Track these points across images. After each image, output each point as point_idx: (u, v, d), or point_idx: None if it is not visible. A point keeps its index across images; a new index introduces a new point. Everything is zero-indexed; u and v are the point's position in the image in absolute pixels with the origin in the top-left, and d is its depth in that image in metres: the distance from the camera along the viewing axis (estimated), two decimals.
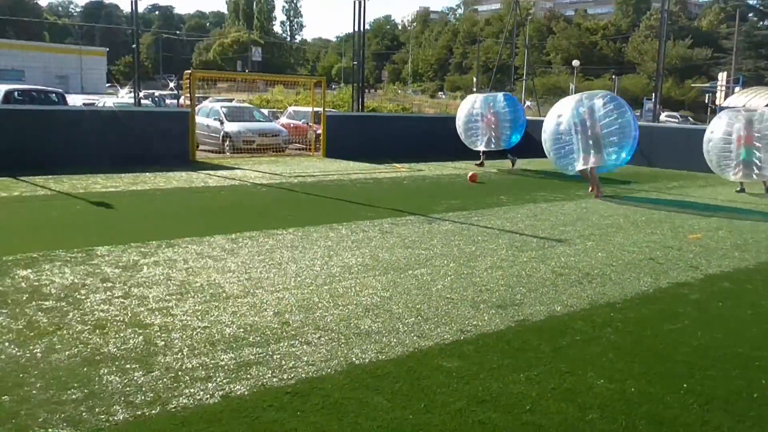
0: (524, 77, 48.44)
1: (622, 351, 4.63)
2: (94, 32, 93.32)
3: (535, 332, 4.93)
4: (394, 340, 4.66)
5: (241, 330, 4.74)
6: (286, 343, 4.51)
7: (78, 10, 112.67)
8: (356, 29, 18.50)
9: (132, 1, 15.00)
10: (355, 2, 17.70)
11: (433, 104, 59.71)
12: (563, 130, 12.29)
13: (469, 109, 16.92)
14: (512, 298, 5.75)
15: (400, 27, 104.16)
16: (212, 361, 4.17)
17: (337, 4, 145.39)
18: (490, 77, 47.33)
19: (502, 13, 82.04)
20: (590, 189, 12.42)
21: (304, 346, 4.48)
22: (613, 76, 59.01)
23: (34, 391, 3.67)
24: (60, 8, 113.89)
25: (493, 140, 16.52)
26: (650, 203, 11.75)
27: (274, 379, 3.95)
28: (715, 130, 13.50)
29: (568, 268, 6.86)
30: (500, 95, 17.13)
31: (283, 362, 4.20)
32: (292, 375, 4.02)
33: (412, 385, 3.95)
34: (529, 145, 17.24)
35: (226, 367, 4.09)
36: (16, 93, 18.14)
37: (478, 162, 16.85)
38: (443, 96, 69.60)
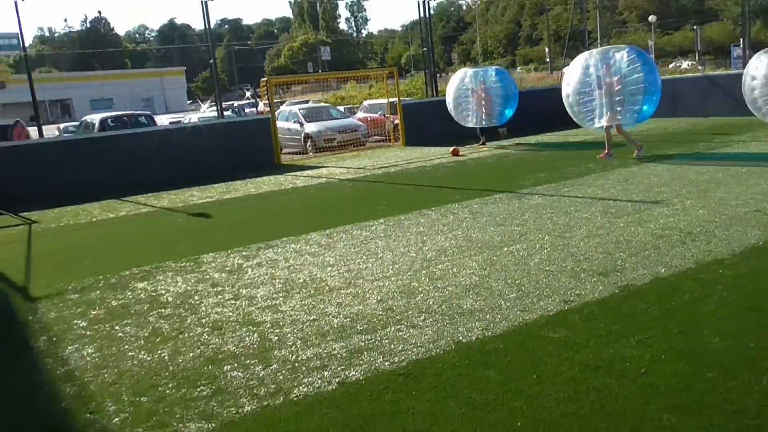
0: (598, 41, 46.89)
1: (735, 307, 4.49)
2: (170, 53, 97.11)
3: (641, 296, 4.85)
4: (498, 316, 4.70)
5: (348, 319, 4.90)
6: (392, 328, 4.64)
7: (153, 34, 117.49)
8: (421, 15, 18.47)
9: (204, 19, 15.56)
10: None
11: None
12: (578, 89, 12.12)
13: (458, 84, 16.21)
14: (613, 264, 5.67)
15: (464, 7, 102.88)
16: (325, 351, 4.35)
17: None
18: (563, 45, 46.10)
19: None
20: (605, 152, 12.10)
21: (411, 330, 4.59)
22: (695, 27, 56.18)
23: (167, 391, 3.95)
24: (137, 35, 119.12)
25: (484, 117, 16.01)
26: (749, 158, 11.20)
27: (386, 363, 4.08)
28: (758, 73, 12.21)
29: (668, 228, 6.67)
30: (491, 69, 16.53)
31: (393, 346, 4.33)
32: (403, 358, 4.14)
33: (522, 357, 3.99)
34: None
35: (338, 356, 4.26)
36: (109, 120, 19.21)
37: (480, 142, 16.24)
38: (518, 70, 68.31)
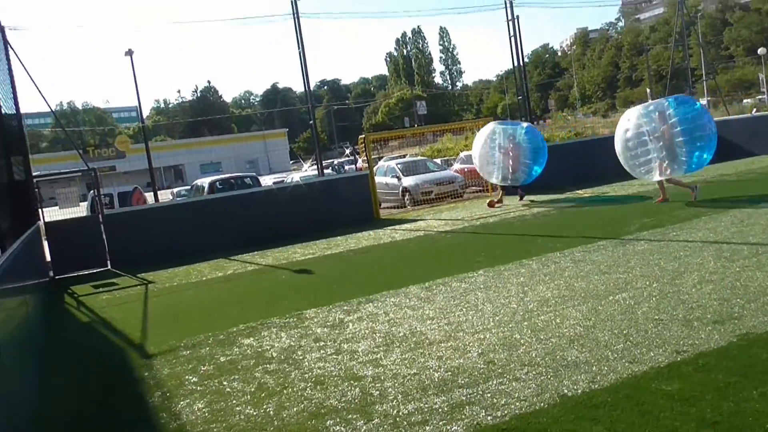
0: (704, 78, 45.14)
1: None
2: (273, 116, 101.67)
3: (763, 345, 4.53)
4: (605, 368, 4.51)
5: (449, 373, 4.85)
6: (494, 382, 4.55)
7: (257, 99, 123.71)
8: (515, 64, 18.54)
9: (304, 82, 16.28)
10: (510, 39, 17.81)
11: (606, 124, 57.42)
12: (631, 138, 12.12)
13: (486, 139, 15.71)
14: (729, 311, 5.34)
15: (559, 53, 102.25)
16: (426, 405, 4.31)
17: (492, 44, 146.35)
18: (664, 85, 44.67)
19: (667, 15, 77.68)
20: (660, 198, 12.21)
21: (513, 383, 4.48)
22: None
23: None
24: (243, 101, 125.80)
25: (510, 174, 15.48)
26: None
27: (488, 417, 3.99)
28: None
29: None
30: (521, 126, 15.83)
31: (495, 400, 4.24)
32: (506, 412, 4.04)
33: (632, 411, 3.80)
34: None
35: (440, 410, 4.21)
36: (217, 183, 20.22)
37: (497, 200, 15.69)
38: (617, 114, 66.70)
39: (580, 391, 4.20)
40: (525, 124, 16.11)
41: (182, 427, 4.51)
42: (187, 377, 5.60)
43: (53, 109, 16.26)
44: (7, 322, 5.08)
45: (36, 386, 5.86)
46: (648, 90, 66.35)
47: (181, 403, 4.99)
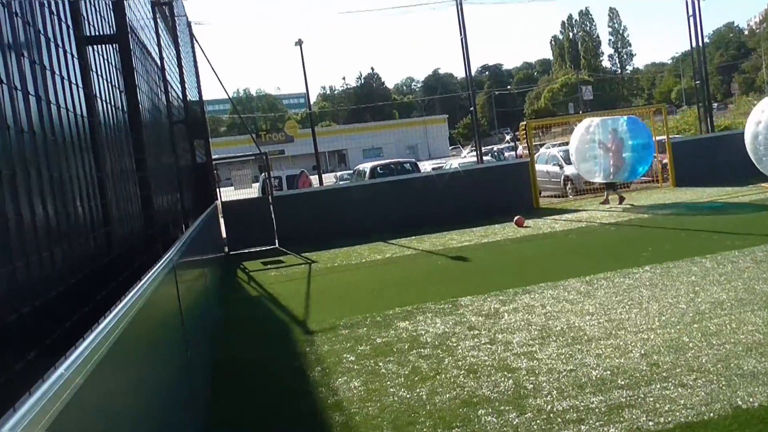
0: None
1: None
2: (433, 102, 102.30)
3: None
4: None
5: (608, 372, 4.65)
6: (658, 386, 4.30)
7: (419, 85, 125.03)
8: (693, 45, 17.20)
9: (466, 68, 16.19)
10: (688, 18, 16.54)
11: None
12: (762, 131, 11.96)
13: (583, 134, 14.68)
14: None
15: (746, 32, 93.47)
16: (582, 404, 4.17)
17: (669, 23, 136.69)
18: None
19: None
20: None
21: (679, 389, 4.20)
22: None
23: (424, 429, 4.09)
24: (404, 87, 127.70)
25: (612, 171, 14.27)
26: None
27: (650, 423, 3.79)
28: None
29: None
30: (622, 118, 14.63)
31: (657, 405, 4.00)
32: (669, 419, 3.81)
33: None
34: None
35: (596, 410, 4.05)
36: (378, 168, 20.75)
37: (602, 200, 15.06)
38: None
39: (757, 404, 3.85)
40: (625, 117, 14.95)
41: (339, 403, 4.71)
42: (345, 355, 5.83)
43: (231, 97, 17.46)
44: (189, 293, 5.56)
45: (211, 354, 6.37)
46: None
47: (339, 379, 5.21)
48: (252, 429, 4.48)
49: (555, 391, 4.43)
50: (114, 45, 4.44)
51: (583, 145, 14.67)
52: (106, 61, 4.09)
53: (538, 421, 3.99)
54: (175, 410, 3.69)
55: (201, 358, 5.42)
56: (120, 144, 4.19)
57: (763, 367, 4.38)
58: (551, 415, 4.07)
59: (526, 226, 12.59)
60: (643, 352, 4.97)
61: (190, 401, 4.24)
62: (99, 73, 3.77)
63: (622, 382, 4.43)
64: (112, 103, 4.09)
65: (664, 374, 4.48)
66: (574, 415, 4.02)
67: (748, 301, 5.91)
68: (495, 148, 40.85)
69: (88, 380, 1.96)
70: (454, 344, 5.78)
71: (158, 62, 7.64)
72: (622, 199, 14.63)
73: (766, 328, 5.12)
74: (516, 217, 13.06)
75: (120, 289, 3.18)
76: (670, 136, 17.85)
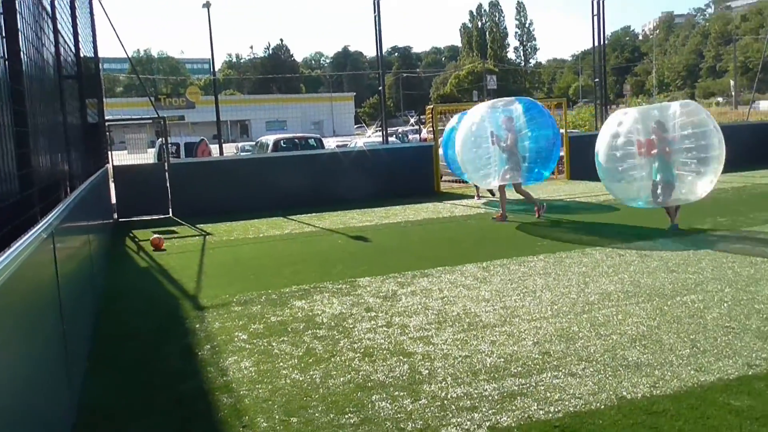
0: None
1: None
2: (341, 79, 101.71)
3: None
4: (669, 373, 4.27)
5: (502, 360, 4.69)
6: (549, 374, 4.37)
7: (328, 60, 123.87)
8: (595, 44, 17.84)
9: (377, 47, 16.04)
10: (593, 17, 17.11)
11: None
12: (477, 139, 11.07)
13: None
14: None
15: (640, 37, 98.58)
16: (476, 391, 4.17)
17: (571, 22, 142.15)
18: (751, 78, 42.58)
19: (761, 5, 73.78)
20: (499, 214, 11.18)
21: (569, 378, 4.29)
22: None
23: (316, 414, 3.97)
24: (313, 61, 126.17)
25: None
26: None
27: (540, 412, 3.83)
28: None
29: None
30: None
31: (548, 394, 4.06)
32: (559, 408, 3.87)
33: (695, 424, 3.57)
34: None
35: (490, 398, 4.07)
36: (282, 142, 20.35)
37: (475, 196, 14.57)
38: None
39: (640, 395, 3.98)
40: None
41: (228, 384, 4.50)
42: (237, 334, 5.61)
43: (129, 56, 16.52)
44: (69, 261, 5.16)
45: (91, 326, 5.97)
46: (732, 82, 63.46)
47: (230, 359, 4.99)
48: (128, 412, 4.19)
49: (449, 378, 4.42)
50: None
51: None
52: None
53: (432, 408, 3.96)
54: (44, 389, 3.38)
55: (79, 332, 5.04)
56: None
57: (646, 358, 4.55)
58: (445, 402, 4.05)
59: (162, 249, 10.13)
60: (535, 340, 5.06)
61: (63, 380, 3.91)
62: None
63: (515, 370, 4.48)
64: None
65: (555, 363, 4.57)
66: (468, 402, 4.02)
67: (634, 294, 6.16)
68: (400, 130, 41.06)
69: None
70: (351, 326, 5.69)
71: (48, 10, 7.03)
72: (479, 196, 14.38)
73: (650, 321, 5.34)
74: (153, 236, 10.65)
75: None
76: (568, 131, 18.48)
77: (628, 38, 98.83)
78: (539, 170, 11.53)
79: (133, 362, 5.12)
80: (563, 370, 4.43)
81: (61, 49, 7.94)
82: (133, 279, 8.31)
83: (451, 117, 15.51)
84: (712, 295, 5.96)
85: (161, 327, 6.02)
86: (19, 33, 4.25)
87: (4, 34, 4.01)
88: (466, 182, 14.30)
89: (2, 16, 4.00)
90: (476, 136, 11.01)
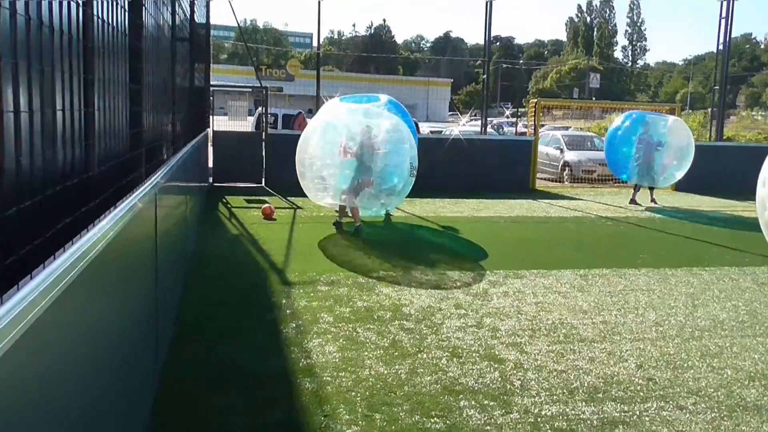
0: None
1: None
2: (439, 64, 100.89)
3: None
4: None
5: (601, 380, 4.35)
6: (654, 404, 4.01)
7: (428, 45, 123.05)
8: (720, 47, 16.74)
9: (485, 35, 15.61)
10: (720, 20, 16.04)
11: None
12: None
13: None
14: None
15: (762, 45, 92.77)
16: (572, 412, 3.87)
17: (688, 24, 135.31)
18: None
19: None
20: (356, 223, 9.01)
21: (678, 411, 3.92)
22: None
23: (401, 413, 3.77)
24: (413, 44, 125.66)
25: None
26: None
27: None
28: None
29: None
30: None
31: (654, 427, 3.72)
32: None
33: None
34: None
35: (588, 422, 3.75)
36: None
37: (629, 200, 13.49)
38: None
39: None
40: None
41: (311, 368, 4.37)
42: (322, 315, 5.48)
43: (239, 24, 16.73)
44: (167, 221, 5.15)
45: (180, 290, 5.99)
46: None
47: (314, 341, 4.86)
48: (208, 387, 4.11)
49: (543, 393, 4.13)
50: None
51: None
52: None
53: (524, 425, 3.69)
54: (135, 352, 3.32)
55: (169, 296, 5.04)
56: (116, 47, 3.70)
57: (767, 401, 4.10)
58: (539, 419, 3.76)
59: (273, 218, 10.05)
60: (639, 363, 4.68)
61: (151, 345, 3.87)
62: None
63: (617, 394, 4.14)
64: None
65: (661, 392, 4.19)
66: (564, 423, 3.72)
67: (750, 325, 5.64)
68: (495, 122, 40.30)
69: (52, 307, 1.71)
70: (439, 321, 5.46)
71: None
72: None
73: None
74: (264, 206, 10.52)
75: (95, 210, 2.78)
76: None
77: (748, 46, 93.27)
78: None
79: (217, 333, 5.07)
80: (671, 402, 4.05)
81: (177, 10, 8.00)
82: (223, 246, 8.35)
83: (548, 113, 15.00)
84: None
85: (247, 299, 5.97)
86: None
87: None
88: (626, 182, 14.21)
89: None
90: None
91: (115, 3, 3.54)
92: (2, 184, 1.97)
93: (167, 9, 6.73)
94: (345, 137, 8.78)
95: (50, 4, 2.41)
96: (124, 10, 3.83)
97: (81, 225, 2.46)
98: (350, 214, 9.20)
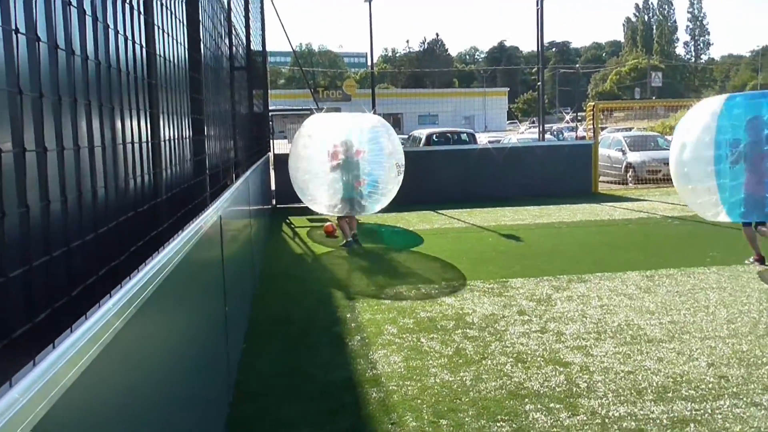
0: None
1: None
2: (495, 74, 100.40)
3: None
4: None
5: (670, 380, 4.29)
6: (727, 402, 3.93)
7: (482, 55, 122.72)
8: None
9: (538, 41, 15.55)
10: None
11: None
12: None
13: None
14: None
15: None
16: (641, 412, 3.84)
17: (752, 14, 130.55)
18: None
19: None
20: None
21: (752, 408, 3.83)
22: None
23: (467, 419, 3.82)
24: (467, 56, 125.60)
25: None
26: None
27: None
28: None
29: None
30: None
31: (727, 424, 3.65)
32: None
33: None
34: None
35: (658, 421, 3.72)
36: (434, 136, 20.31)
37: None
38: None
39: None
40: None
41: (377, 378, 4.47)
42: (386, 327, 5.58)
43: (294, 49, 17.19)
44: (233, 244, 5.37)
45: (248, 308, 6.21)
46: None
47: (379, 352, 4.97)
48: (278, 398, 4.26)
49: (611, 394, 4.10)
50: None
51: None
52: None
53: (592, 426, 3.69)
54: (208, 368, 3.50)
55: (238, 313, 5.24)
56: (177, 81, 3.94)
57: None
58: (606, 420, 3.75)
59: (335, 236, 10.11)
60: (709, 361, 4.59)
61: (223, 360, 4.05)
62: (161, 1, 3.50)
63: (686, 393, 4.08)
64: (173, 37, 3.84)
65: (734, 390, 4.10)
66: (632, 423, 3.70)
67: None
68: (554, 127, 39.79)
69: (128, 324, 1.86)
70: (503, 328, 5.48)
71: (224, 3, 7.38)
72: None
73: None
74: (327, 224, 10.69)
75: (164, 234, 2.97)
76: None
77: None
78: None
79: (285, 347, 5.24)
80: (744, 399, 3.96)
81: (234, 41, 8.34)
82: (288, 264, 8.58)
83: (610, 115, 14.72)
84: None
85: (312, 314, 6.14)
86: (200, 24, 4.45)
87: (186, 23, 4.21)
88: None
89: (185, 6, 4.20)
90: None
91: (174, 40, 3.77)
92: (81, 212, 2.16)
93: (224, 41, 7.04)
94: (331, 144, 9.06)
95: (117, 47, 2.62)
96: (184, 47, 4.07)
97: (152, 248, 2.64)
98: (347, 227, 9.40)
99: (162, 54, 3.37)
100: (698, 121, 7.42)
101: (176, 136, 3.86)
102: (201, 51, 4.48)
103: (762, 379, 4.24)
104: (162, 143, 3.38)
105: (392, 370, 4.60)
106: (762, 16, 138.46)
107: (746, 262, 7.52)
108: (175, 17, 3.91)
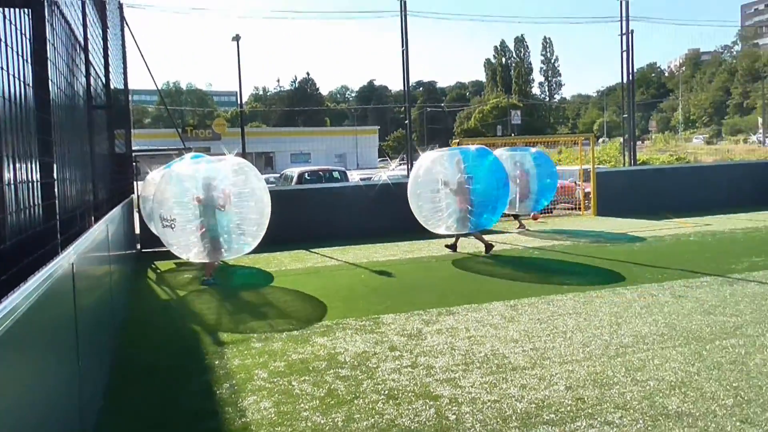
0: None
1: None
2: (366, 113, 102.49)
3: None
4: (712, 425, 4.03)
5: (533, 405, 4.47)
6: (584, 423, 4.14)
7: (353, 94, 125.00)
8: (625, 80, 17.70)
9: (404, 81, 16.07)
10: (622, 54, 17.00)
11: (710, 151, 54.56)
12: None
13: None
14: None
15: (666, 74, 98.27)
16: None
17: (597, 58, 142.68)
18: None
19: None
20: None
21: (606, 427, 4.06)
22: None
23: None
24: (338, 95, 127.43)
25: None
26: None
27: None
28: None
29: None
30: (529, 151, 15.28)
31: None
32: None
33: None
34: None
35: None
36: (306, 174, 20.36)
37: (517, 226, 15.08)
38: (724, 142, 63.33)
39: None
40: (534, 150, 15.41)
41: (246, 426, 4.33)
42: (256, 372, 5.44)
43: (159, 88, 16.71)
44: (91, 293, 5.06)
45: (109, 362, 5.85)
46: (760, 119, 62.81)
47: (249, 399, 4.83)
48: None
49: (478, 424, 4.21)
50: (26, 10, 3.95)
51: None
52: (13, 26, 3.61)
53: None
54: (56, 429, 3.24)
55: (95, 368, 4.92)
56: (21, 123, 3.70)
57: (687, 408, 4.30)
58: None
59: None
60: (568, 384, 4.84)
61: (75, 421, 3.77)
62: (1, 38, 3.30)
63: (548, 417, 4.26)
64: (17, 76, 3.61)
65: (589, 410, 4.34)
66: None
67: (669, 337, 5.91)
68: None
69: None
70: (374, 366, 5.50)
71: (81, 41, 7.07)
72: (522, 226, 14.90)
73: (688, 367, 5.09)
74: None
75: (5, 286, 2.75)
76: (595, 166, 18.26)
77: (653, 74, 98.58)
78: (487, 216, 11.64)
79: (150, 400, 4.97)
80: (599, 419, 4.20)
81: (92, 80, 7.98)
82: (153, 312, 8.20)
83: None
84: (753, 340, 5.69)
85: (180, 363, 5.88)
86: (48, 61, 4.22)
87: (33, 61, 3.98)
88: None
89: (33, 44, 3.98)
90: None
91: (17, 80, 3.55)
92: None
93: (79, 80, 6.72)
94: (194, 189, 9.42)
95: None
96: (28, 86, 3.84)
97: None
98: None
99: (1, 95, 3.16)
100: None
101: (22, 180, 3.61)
102: (49, 90, 4.25)
103: (614, 399, 4.52)
104: (3, 188, 3.15)
105: (262, 417, 4.48)
106: (604, 59, 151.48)
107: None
108: (19, 55, 3.69)
